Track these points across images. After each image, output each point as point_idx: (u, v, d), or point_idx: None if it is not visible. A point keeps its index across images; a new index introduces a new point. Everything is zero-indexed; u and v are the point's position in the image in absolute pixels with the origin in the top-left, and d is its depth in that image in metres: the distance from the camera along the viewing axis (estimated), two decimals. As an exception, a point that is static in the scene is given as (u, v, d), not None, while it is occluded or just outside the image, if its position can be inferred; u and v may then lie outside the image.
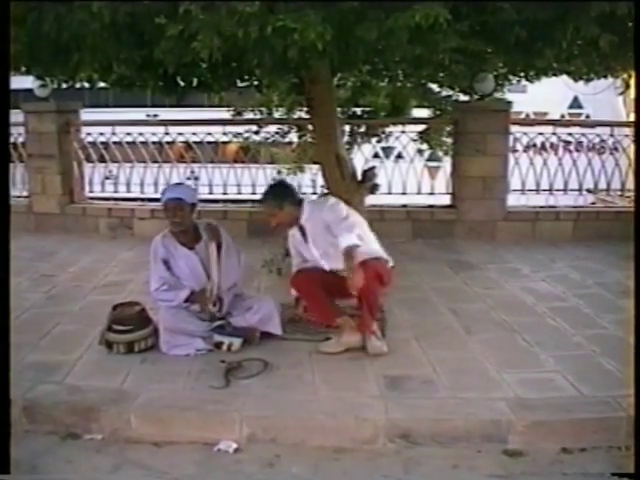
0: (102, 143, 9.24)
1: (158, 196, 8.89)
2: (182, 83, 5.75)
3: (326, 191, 6.28)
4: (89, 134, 9.17)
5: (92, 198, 9.20)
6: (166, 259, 4.68)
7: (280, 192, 4.73)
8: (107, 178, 9.38)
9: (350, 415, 3.74)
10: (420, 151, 9.72)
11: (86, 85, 5.75)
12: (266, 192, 4.78)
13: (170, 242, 4.73)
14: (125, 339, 4.52)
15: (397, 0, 3.38)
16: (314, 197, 4.90)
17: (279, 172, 9.97)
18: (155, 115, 19.19)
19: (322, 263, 4.69)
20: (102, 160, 9.31)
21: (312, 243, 4.70)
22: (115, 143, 9.20)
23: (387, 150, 9.91)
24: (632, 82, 4.34)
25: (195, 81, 5.79)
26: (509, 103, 8.39)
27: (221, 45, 3.41)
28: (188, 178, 9.28)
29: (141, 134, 9.22)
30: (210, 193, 8.91)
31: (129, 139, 9.22)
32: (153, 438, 3.70)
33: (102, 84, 5.68)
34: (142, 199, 9.02)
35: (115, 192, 9.27)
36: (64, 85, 5.99)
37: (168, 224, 4.73)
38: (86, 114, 9.63)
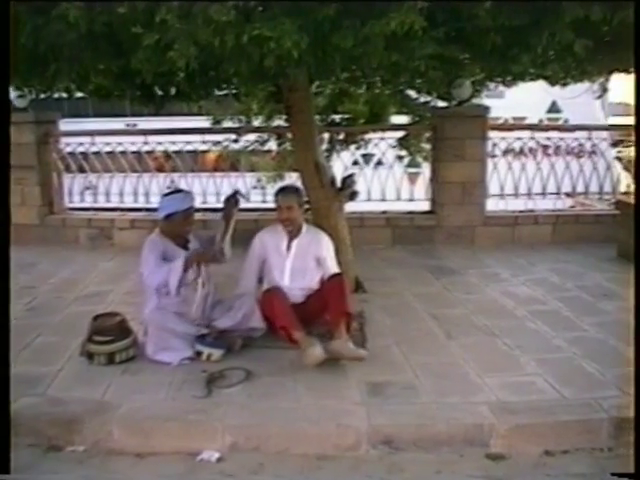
0: (81, 153, 9.17)
1: (138, 206, 8.94)
2: (160, 92, 5.72)
3: (305, 199, 6.28)
4: (68, 144, 9.10)
5: (72, 209, 9.14)
6: (164, 252, 4.69)
7: (298, 191, 5.05)
8: (87, 188, 9.33)
9: (333, 422, 3.74)
10: (400, 157, 9.75)
11: (64, 95, 5.72)
12: (285, 187, 5.12)
13: (166, 241, 4.75)
14: (106, 350, 4.49)
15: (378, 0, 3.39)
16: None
17: (259, 180, 9.97)
18: (134, 124, 19.11)
19: (285, 278, 4.89)
20: (81, 170, 9.27)
21: (292, 257, 4.91)
22: (94, 153, 9.16)
23: (366, 157, 9.93)
24: (632, 83, 4.38)
25: (173, 90, 5.77)
26: (487, 108, 8.43)
27: (198, 54, 3.40)
28: (168, 187, 9.25)
29: (120, 144, 9.19)
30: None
31: (108, 149, 9.18)
32: (135, 449, 3.67)
33: (80, 94, 5.65)
34: (122, 209, 8.97)
35: (95, 202, 9.22)
36: (42, 95, 5.95)
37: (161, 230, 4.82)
38: (65, 124, 9.58)
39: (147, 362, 4.54)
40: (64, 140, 9.13)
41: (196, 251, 4.68)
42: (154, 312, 4.62)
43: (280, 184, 9.36)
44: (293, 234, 4.93)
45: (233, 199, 4.76)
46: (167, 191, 5.40)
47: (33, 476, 3.44)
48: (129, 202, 9.03)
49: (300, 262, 4.94)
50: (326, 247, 5.03)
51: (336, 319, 4.60)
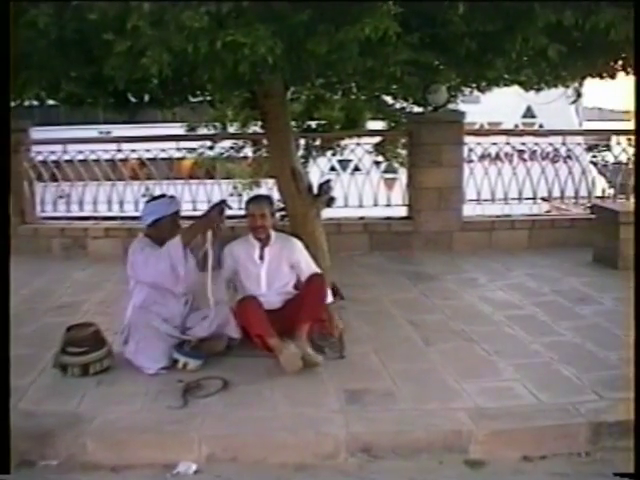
0: (53, 162, 9.09)
1: (112, 214, 8.89)
2: (133, 99, 5.69)
3: (282, 206, 6.28)
4: (40, 153, 9.02)
5: (44, 218, 9.03)
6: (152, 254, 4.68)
7: (269, 200, 5.09)
8: (60, 197, 9.24)
9: (311, 431, 3.73)
10: (377, 163, 9.77)
11: (35, 103, 5.67)
12: (257, 196, 5.24)
13: (150, 242, 4.73)
14: (80, 361, 4.44)
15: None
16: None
17: (235, 187, 9.94)
18: (108, 132, 19.00)
19: (262, 286, 4.90)
20: (54, 179, 9.19)
21: (266, 265, 4.92)
22: (67, 161, 9.08)
23: (344, 163, 9.95)
24: (632, 83, 4.42)
25: (146, 97, 5.74)
26: (462, 114, 8.50)
27: (171, 61, 3.38)
28: (143, 195, 9.19)
29: (93, 152, 9.11)
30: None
31: (81, 157, 9.10)
32: (110, 462, 3.63)
33: (52, 102, 5.60)
34: (96, 218, 8.89)
35: (68, 211, 9.14)
36: (12, 104, 5.88)
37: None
38: (36, 132, 9.49)
39: (122, 373, 4.50)
40: (35, 148, 9.04)
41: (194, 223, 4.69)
42: (138, 310, 4.62)
43: (256, 191, 9.44)
44: (264, 242, 4.92)
45: (218, 207, 4.73)
46: (151, 197, 5.35)
47: (33, 476, 3.44)
48: (103, 211, 8.98)
49: (275, 269, 4.95)
50: (298, 250, 5.04)
51: (303, 322, 4.63)
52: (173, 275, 4.54)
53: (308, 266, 5.00)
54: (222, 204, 4.74)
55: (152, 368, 4.49)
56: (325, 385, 4.28)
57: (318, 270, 5.00)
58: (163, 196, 5.10)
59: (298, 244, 5.09)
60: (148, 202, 4.93)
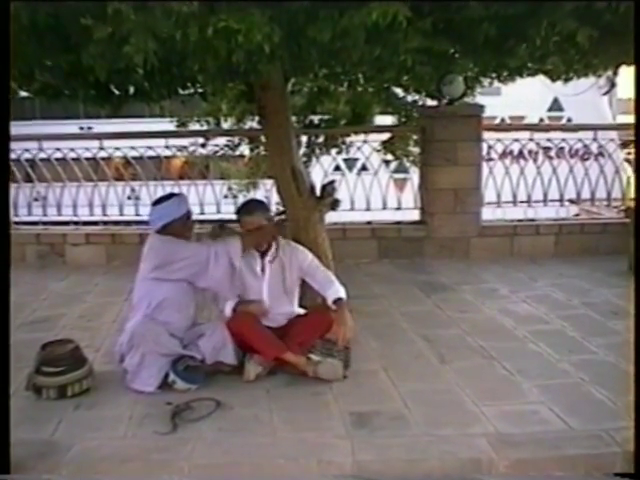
0: (28, 160, 9.10)
1: (94, 219, 8.89)
2: (116, 92, 5.69)
3: (282, 209, 6.27)
4: (12, 150, 9.02)
5: (17, 223, 9.03)
6: None
7: (262, 205, 5.03)
8: (35, 200, 9.24)
9: (313, 458, 3.71)
10: (386, 162, 9.77)
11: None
12: (249, 204, 5.03)
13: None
14: (56, 382, 4.43)
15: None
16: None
17: (230, 189, 9.95)
18: (89, 128, 19.06)
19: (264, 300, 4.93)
20: (28, 180, 9.19)
21: (268, 278, 4.92)
22: (43, 160, 9.08)
23: (349, 162, 9.95)
24: (632, 81, 4.41)
25: (131, 89, 5.74)
26: (481, 107, 8.50)
27: (157, 49, 3.38)
28: (129, 197, 9.21)
29: (73, 149, 9.12)
30: (153, 214, 8.83)
31: (59, 155, 9.10)
32: (89, 496, 3.63)
33: (24, 94, 5.61)
34: (75, 222, 8.90)
35: (44, 215, 9.14)
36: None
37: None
38: (9, 128, 9.50)
39: (104, 394, 4.50)
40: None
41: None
42: (145, 320, 4.62)
43: (253, 194, 9.45)
44: (265, 252, 4.90)
45: (280, 220, 4.91)
46: (157, 198, 5.35)
47: (33, 476, 3.47)
48: (83, 215, 8.98)
49: (278, 282, 4.93)
50: (303, 254, 5.05)
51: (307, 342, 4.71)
52: (231, 275, 4.66)
53: (327, 281, 4.95)
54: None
55: (152, 386, 4.51)
56: (329, 407, 4.27)
57: (342, 293, 4.87)
58: (171, 196, 5.03)
59: (300, 248, 5.09)
60: (155, 204, 4.88)
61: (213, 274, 4.62)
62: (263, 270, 4.92)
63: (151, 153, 9.25)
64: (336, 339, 4.67)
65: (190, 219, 4.87)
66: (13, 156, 8.95)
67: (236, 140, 9.81)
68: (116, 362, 4.76)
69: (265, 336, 4.71)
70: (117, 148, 9.21)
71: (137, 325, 4.63)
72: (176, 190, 8.77)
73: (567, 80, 5.87)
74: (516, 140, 9.01)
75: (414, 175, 9.14)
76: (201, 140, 9.48)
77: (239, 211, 4.93)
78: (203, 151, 9.52)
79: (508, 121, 22.40)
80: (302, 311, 5.10)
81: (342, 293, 4.84)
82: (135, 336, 4.59)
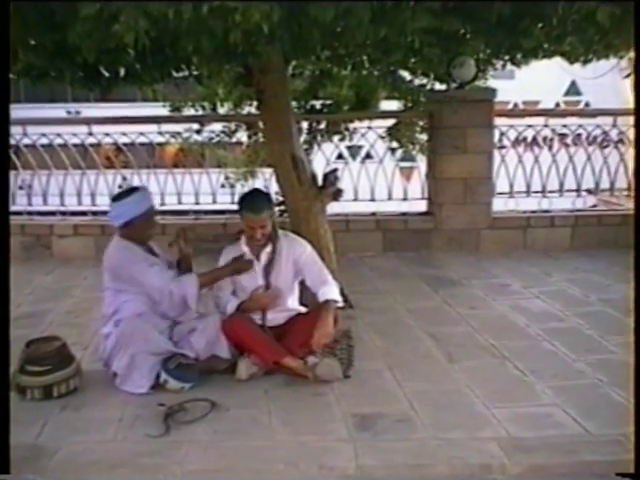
0: (11, 146, 9.06)
1: (82, 209, 8.88)
2: (106, 74, 5.68)
3: (281, 199, 6.27)
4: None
5: (2, 213, 9.05)
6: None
7: (268, 200, 4.87)
8: (20, 188, 9.23)
9: (314, 463, 3.70)
10: (392, 150, 9.76)
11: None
12: (254, 198, 4.84)
13: (130, 245, 4.75)
14: (41, 382, 4.42)
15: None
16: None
17: (227, 178, 9.94)
18: (77, 112, 19.06)
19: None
20: (12, 167, 9.17)
21: (264, 275, 4.86)
22: (28, 146, 9.05)
23: (353, 150, 9.93)
24: (632, 80, 4.39)
25: (122, 71, 5.73)
26: (493, 91, 8.47)
27: (149, 28, 3.37)
28: (119, 186, 9.19)
29: (59, 135, 9.09)
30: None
31: (45, 141, 9.07)
32: (75, 503, 3.63)
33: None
34: (63, 213, 8.89)
35: (29, 205, 9.13)
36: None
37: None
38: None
39: (93, 395, 4.49)
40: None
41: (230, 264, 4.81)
42: (133, 320, 4.60)
43: (251, 183, 9.43)
44: (261, 246, 4.84)
45: (247, 263, 4.82)
46: (117, 193, 5.32)
47: (33, 476, 3.47)
48: (71, 205, 8.98)
49: (275, 278, 4.87)
50: (304, 249, 4.95)
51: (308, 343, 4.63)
52: (183, 305, 4.68)
53: (324, 282, 4.85)
54: (248, 263, 4.83)
55: (144, 387, 4.50)
56: (331, 409, 4.26)
57: (333, 294, 4.79)
58: (132, 191, 4.92)
59: (302, 242, 5.01)
60: (114, 200, 4.82)
61: (166, 311, 4.72)
62: (260, 263, 4.86)
63: (143, 139, 9.21)
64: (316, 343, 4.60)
65: (153, 216, 4.83)
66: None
67: (233, 126, 9.82)
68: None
69: (263, 340, 4.69)
70: (107, 134, 9.23)
71: (123, 325, 4.60)
72: (170, 178, 8.84)
73: (586, 62, 5.85)
74: (530, 126, 8.98)
75: (421, 163, 9.14)
76: (196, 126, 9.48)
77: (242, 205, 4.76)
78: (198, 138, 9.53)
79: (522, 106, 22.38)
80: (303, 309, 5.06)
81: (334, 295, 4.77)
82: (122, 336, 4.56)
